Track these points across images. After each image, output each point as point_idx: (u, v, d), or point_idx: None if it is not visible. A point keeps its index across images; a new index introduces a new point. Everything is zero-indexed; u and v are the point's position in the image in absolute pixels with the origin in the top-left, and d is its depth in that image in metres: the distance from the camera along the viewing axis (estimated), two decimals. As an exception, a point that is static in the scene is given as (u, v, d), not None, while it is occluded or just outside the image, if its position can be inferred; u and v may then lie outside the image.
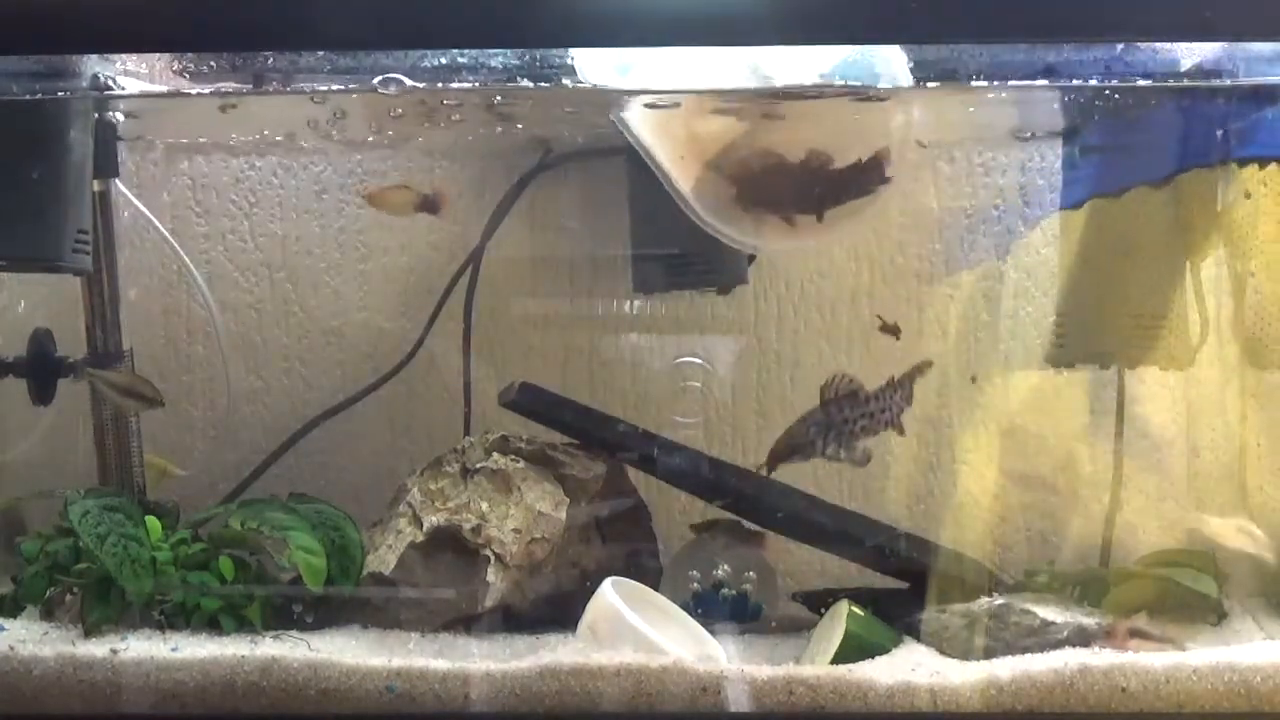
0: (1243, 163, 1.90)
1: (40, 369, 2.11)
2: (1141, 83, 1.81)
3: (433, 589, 1.92)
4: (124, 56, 1.82)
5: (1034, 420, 2.19)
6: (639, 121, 1.96)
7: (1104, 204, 2.03)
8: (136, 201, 2.23)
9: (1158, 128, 1.96)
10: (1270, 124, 1.90)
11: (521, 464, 1.99)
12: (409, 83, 1.75)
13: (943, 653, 1.84)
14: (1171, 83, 1.81)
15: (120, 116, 2.08)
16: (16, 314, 2.20)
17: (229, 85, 1.84)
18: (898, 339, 2.15)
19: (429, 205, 2.12)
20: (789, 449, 1.89)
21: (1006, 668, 1.74)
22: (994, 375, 2.25)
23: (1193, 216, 1.97)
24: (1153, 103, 1.92)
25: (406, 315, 2.31)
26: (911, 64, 1.81)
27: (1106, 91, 1.89)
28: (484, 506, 1.95)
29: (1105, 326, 2.04)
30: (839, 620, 1.85)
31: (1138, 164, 1.99)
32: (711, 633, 1.89)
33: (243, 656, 1.75)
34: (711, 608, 1.99)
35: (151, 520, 1.94)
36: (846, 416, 1.90)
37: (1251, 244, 1.91)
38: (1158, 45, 1.78)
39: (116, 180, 2.17)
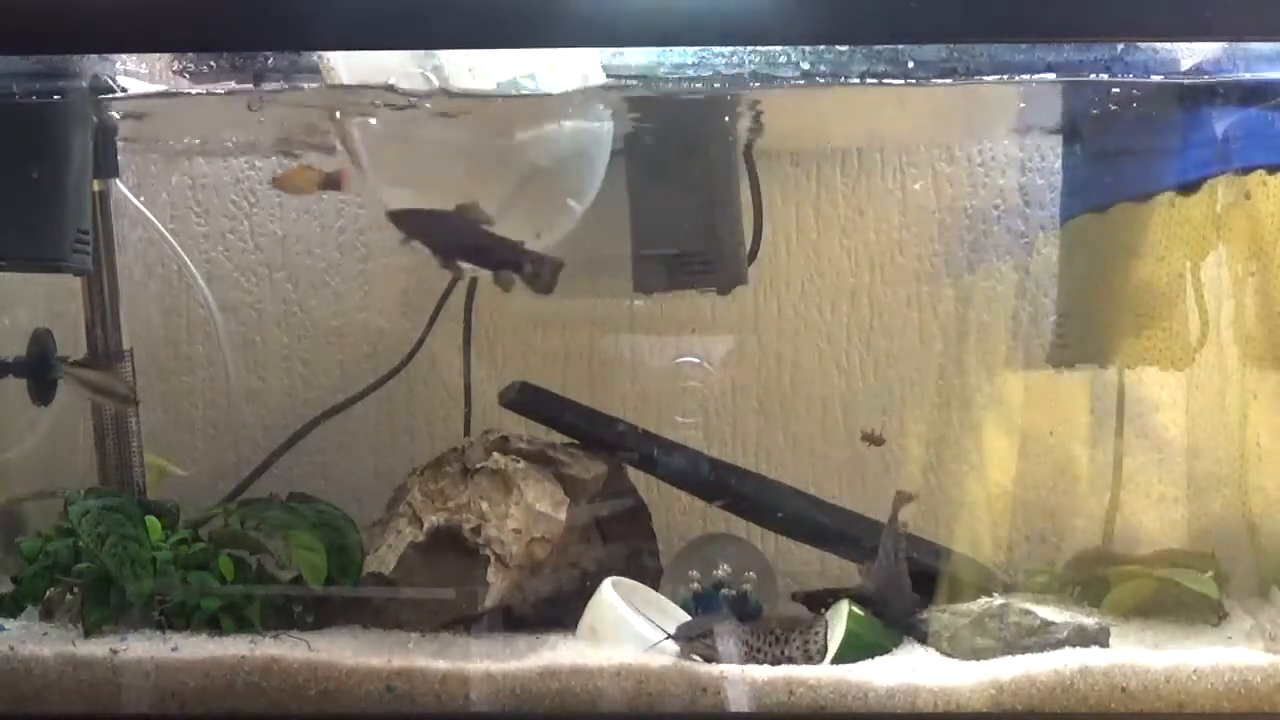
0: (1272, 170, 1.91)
1: (40, 369, 2.11)
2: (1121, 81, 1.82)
3: (433, 589, 1.92)
4: (124, 56, 1.83)
5: (1035, 420, 2.20)
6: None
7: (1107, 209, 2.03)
8: (136, 201, 2.23)
9: (1173, 134, 1.96)
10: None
11: (521, 464, 1.99)
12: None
13: (943, 653, 1.84)
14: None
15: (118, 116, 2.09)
16: (17, 314, 2.21)
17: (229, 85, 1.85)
18: (880, 446, 2.14)
19: (332, 183, 2.13)
20: (689, 629, 1.80)
21: (1007, 668, 1.74)
22: (995, 375, 2.25)
23: (1196, 218, 1.97)
24: (1164, 107, 1.92)
25: (406, 315, 2.30)
26: (912, 63, 1.81)
27: (1116, 94, 1.89)
28: (484, 506, 1.95)
29: (1106, 326, 2.03)
30: (839, 620, 1.85)
31: (1149, 172, 1.99)
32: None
33: (243, 656, 1.75)
34: (711, 608, 1.99)
35: (151, 520, 1.94)
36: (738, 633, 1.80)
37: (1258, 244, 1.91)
38: (1159, 46, 1.79)
39: (116, 180, 2.17)
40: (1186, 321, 2.01)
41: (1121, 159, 2.03)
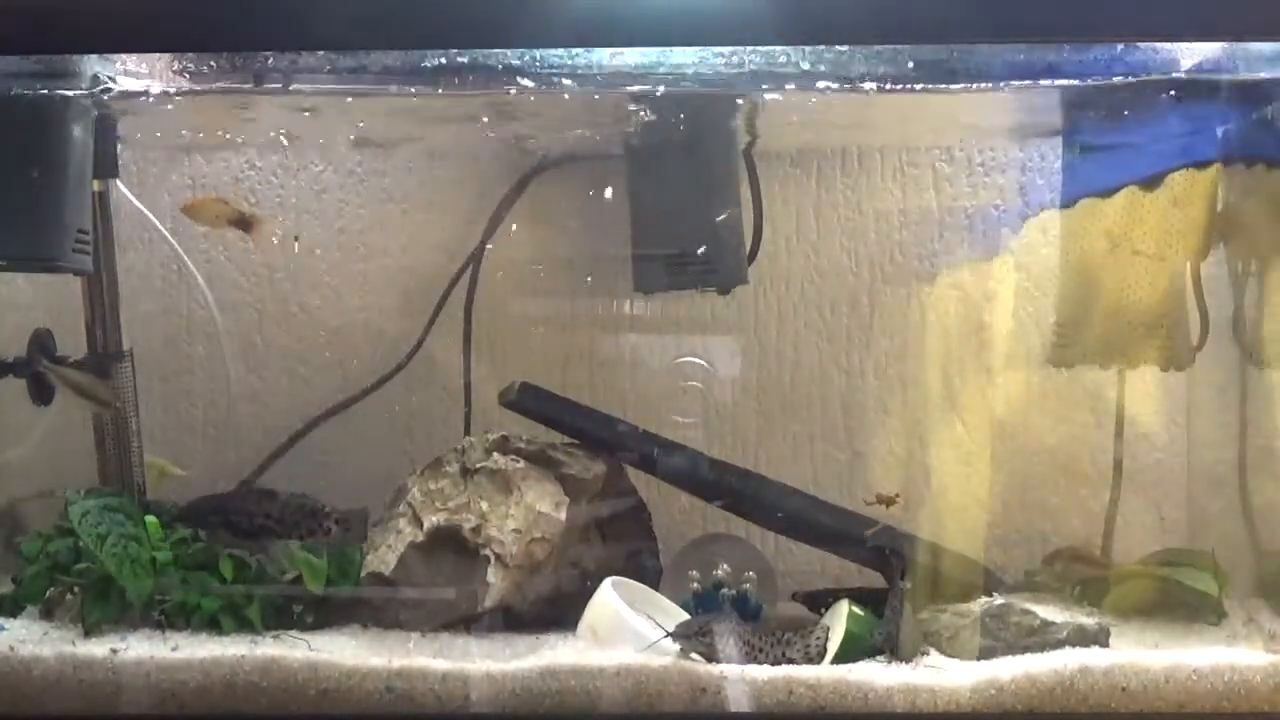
0: (1249, 163, 1.91)
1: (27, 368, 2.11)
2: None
3: (433, 589, 1.92)
4: (124, 56, 1.83)
5: (1034, 420, 2.20)
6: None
7: (1105, 203, 2.02)
8: (136, 201, 2.23)
9: (1157, 125, 1.96)
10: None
11: (521, 464, 1.99)
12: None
13: (943, 653, 1.84)
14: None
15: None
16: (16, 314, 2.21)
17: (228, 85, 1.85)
18: (889, 508, 2.14)
19: (242, 223, 2.16)
20: (688, 627, 1.80)
21: (1006, 668, 1.74)
22: (996, 374, 2.25)
23: (1195, 216, 1.97)
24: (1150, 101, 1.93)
25: (406, 315, 2.30)
26: (911, 64, 1.81)
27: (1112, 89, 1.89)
28: (484, 506, 1.95)
29: (1106, 327, 2.03)
30: (839, 620, 1.85)
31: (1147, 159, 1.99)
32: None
33: (243, 656, 1.75)
34: (711, 608, 1.99)
35: (151, 520, 1.95)
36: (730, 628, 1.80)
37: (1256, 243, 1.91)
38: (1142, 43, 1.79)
39: (116, 180, 2.17)
40: (1187, 321, 2.01)
41: (1117, 147, 2.03)
